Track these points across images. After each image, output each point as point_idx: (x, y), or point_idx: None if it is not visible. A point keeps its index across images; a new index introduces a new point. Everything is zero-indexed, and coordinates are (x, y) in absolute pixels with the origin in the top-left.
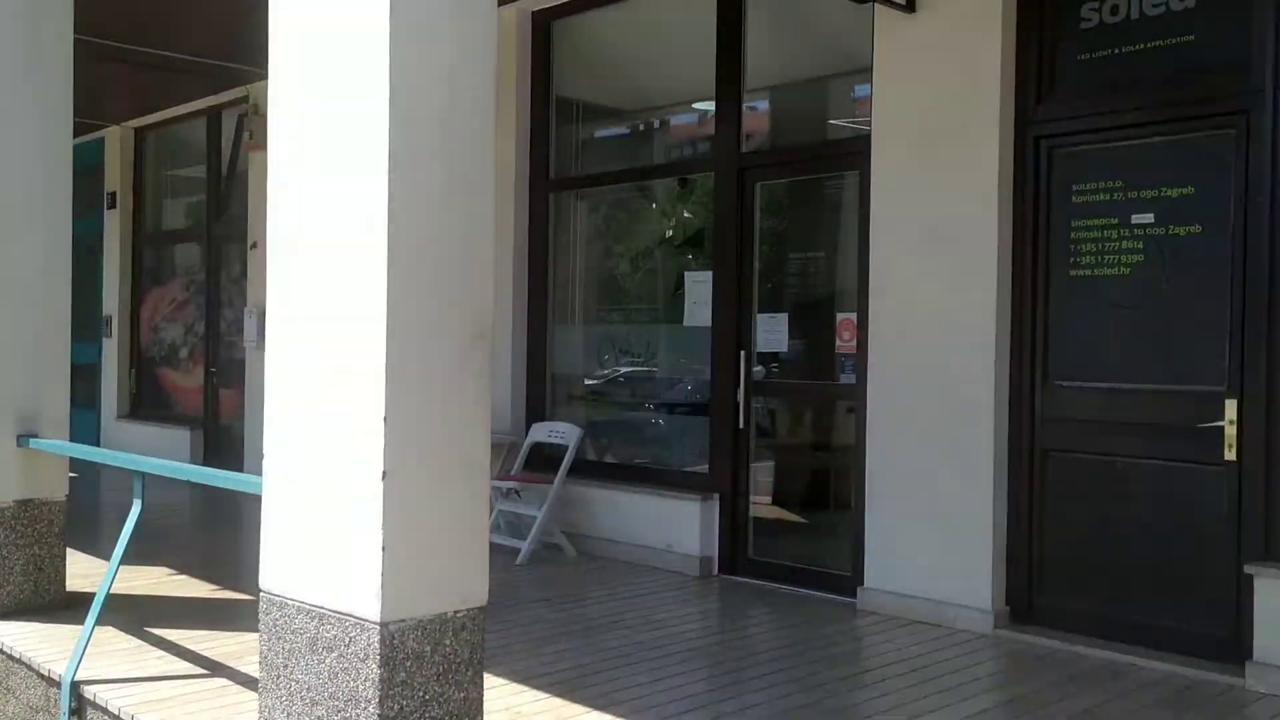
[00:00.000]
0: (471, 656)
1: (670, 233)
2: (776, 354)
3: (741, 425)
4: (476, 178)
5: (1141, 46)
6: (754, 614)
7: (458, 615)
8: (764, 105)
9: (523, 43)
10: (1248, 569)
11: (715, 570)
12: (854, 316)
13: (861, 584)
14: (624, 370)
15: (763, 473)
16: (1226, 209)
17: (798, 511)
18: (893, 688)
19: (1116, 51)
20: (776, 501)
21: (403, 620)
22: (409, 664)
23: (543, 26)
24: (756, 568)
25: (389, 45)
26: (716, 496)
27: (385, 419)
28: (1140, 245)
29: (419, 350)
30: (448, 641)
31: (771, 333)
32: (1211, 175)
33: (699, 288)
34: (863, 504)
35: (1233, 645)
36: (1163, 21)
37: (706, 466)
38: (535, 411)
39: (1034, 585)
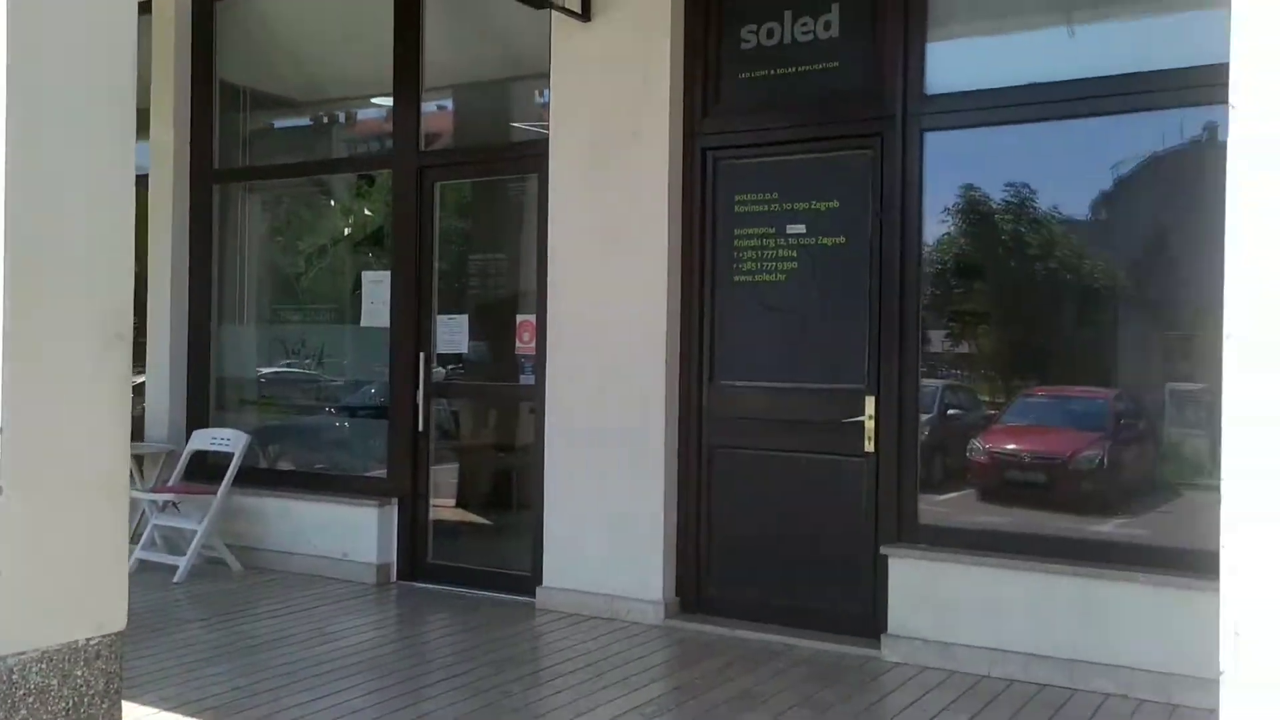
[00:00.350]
0: (108, 687)
1: (349, 230)
2: (460, 355)
3: (421, 428)
4: (113, 165)
5: (793, 69)
6: (432, 620)
7: (91, 643)
8: (445, 104)
9: (182, 23)
10: (883, 550)
11: (394, 577)
12: (533, 318)
13: (541, 583)
14: (298, 372)
15: (445, 475)
16: (865, 222)
17: (481, 513)
18: (567, 684)
19: (772, 72)
20: (460, 504)
21: (23, 653)
22: (31, 700)
23: (205, 6)
24: (437, 572)
25: (6, 18)
26: (395, 501)
27: (1, 429)
28: (794, 254)
29: (44, 352)
30: (79, 672)
31: (452, 334)
32: (853, 191)
33: (377, 288)
34: (542, 503)
35: (871, 621)
36: (811, 48)
37: (385, 471)
38: (198, 417)
39: (702, 576)
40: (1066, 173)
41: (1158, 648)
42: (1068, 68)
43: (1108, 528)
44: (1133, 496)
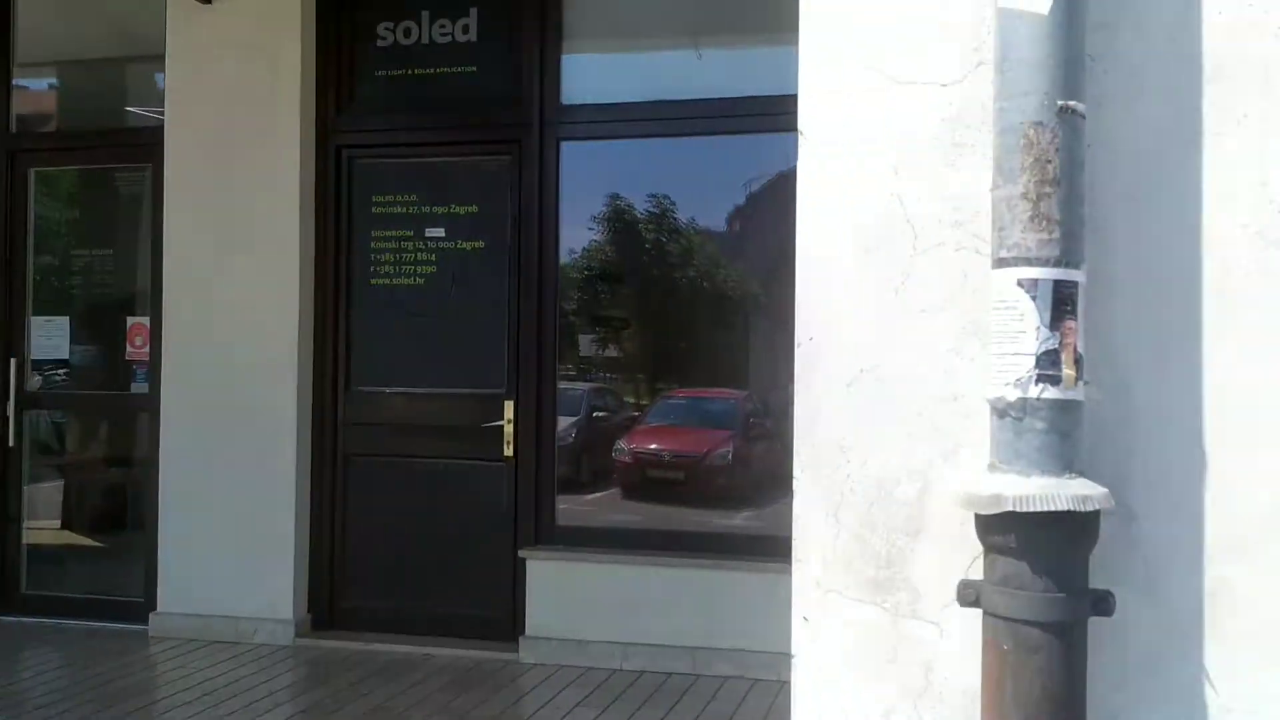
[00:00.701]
0: None
1: None
2: (66, 361)
3: (12, 443)
4: None
5: (432, 70)
6: (25, 658)
7: None
8: (44, 84)
9: None
10: (522, 553)
11: None
12: (148, 320)
13: (155, 609)
14: None
15: (45, 495)
16: (504, 228)
17: (87, 535)
18: (181, 716)
19: (411, 72)
20: (65, 526)
21: None
22: None
23: None
24: (32, 604)
25: None
26: None
27: None
28: (433, 257)
29: None
30: None
31: (50, 337)
32: (493, 196)
33: None
34: (158, 522)
35: (511, 624)
36: (449, 50)
37: None
38: None
39: (336, 590)
40: (702, 186)
41: (770, 630)
42: (698, 87)
43: (736, 521)
44: (759, 491)
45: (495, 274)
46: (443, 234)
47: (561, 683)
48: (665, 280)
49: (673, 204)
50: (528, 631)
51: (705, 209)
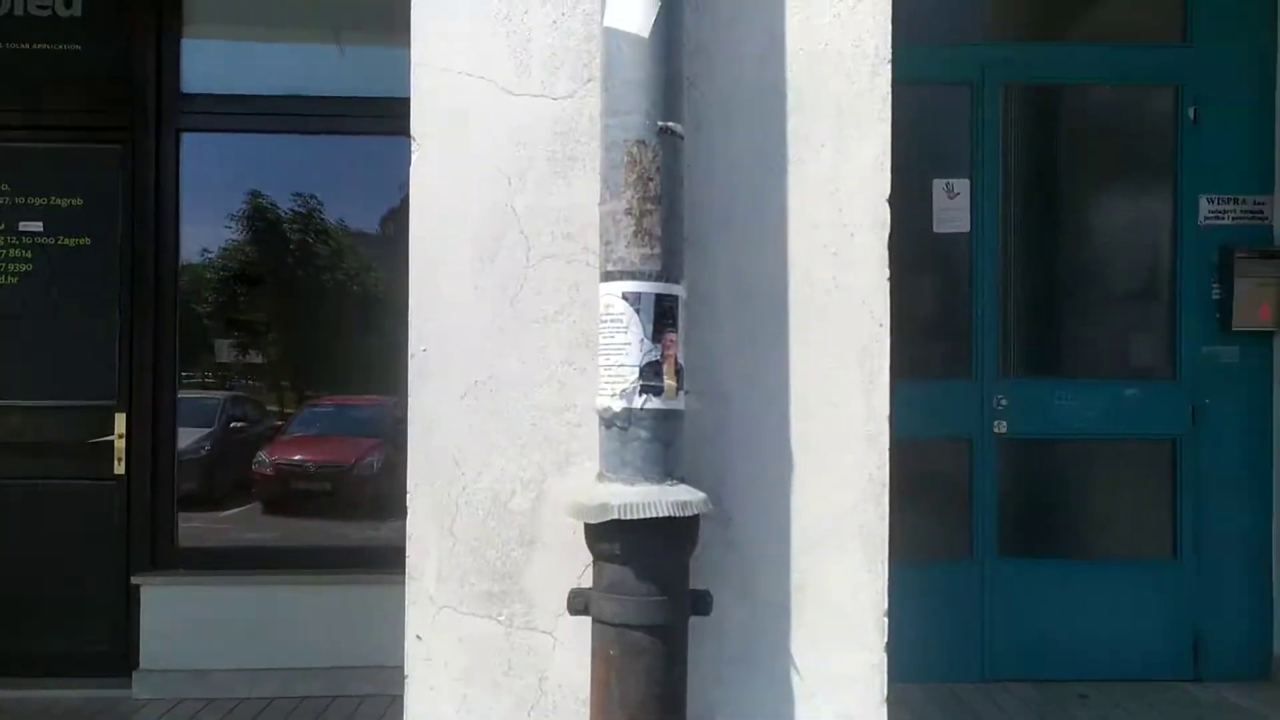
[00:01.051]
0: None
1: None
2: None
3: None
4: None
5: (27, 46)
6: None
7: None
8: None
9: None
10: (135, 580)
11: None
12: None
13: None
14: None
15: None
16: (115, 224)
17: None
18: None
19: (1, 46)
20: None
21: None
22: None
23: None
24: None
25: None
26: None
27: None
28: (30, 254)
29: None
30: None
31: None
32: (101, 188)
33: None
34: None
35: (123, 658)
36: (49, 25)
37: None
38: None
39: None
40: (349, 186)
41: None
42: (339, 85)
43: (382, 532)
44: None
45: (104, 274)
46: (40, 229)
47: (180, 718)
48: (311, 282)
49: (319, 204)
50: (142, 665)
51: (352, 210)
